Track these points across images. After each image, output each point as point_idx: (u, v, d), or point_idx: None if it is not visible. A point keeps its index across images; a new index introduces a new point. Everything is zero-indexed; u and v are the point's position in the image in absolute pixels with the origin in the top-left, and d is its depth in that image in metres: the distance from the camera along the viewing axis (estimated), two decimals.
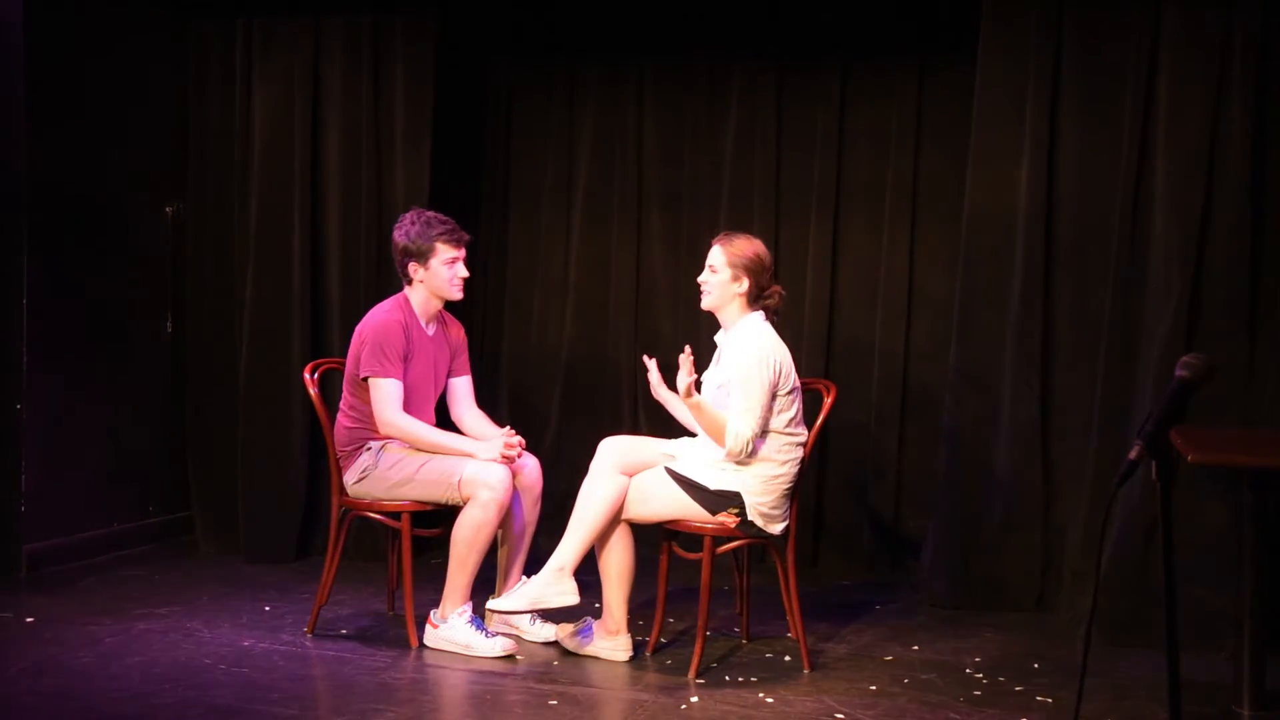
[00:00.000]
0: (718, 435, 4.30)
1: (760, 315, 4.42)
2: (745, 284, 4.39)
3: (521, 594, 4.36)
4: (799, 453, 4.38)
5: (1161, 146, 4.85)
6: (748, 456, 4.28)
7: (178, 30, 6.05)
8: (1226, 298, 4.77)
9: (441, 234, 4.65)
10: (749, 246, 4.41)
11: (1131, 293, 4.93)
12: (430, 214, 4.73)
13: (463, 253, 4.70)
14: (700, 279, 4.48)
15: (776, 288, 4.45)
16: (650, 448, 4.54)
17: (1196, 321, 4.78)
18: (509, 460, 4.54)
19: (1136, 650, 4.65)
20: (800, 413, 4.41)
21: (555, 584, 4.32)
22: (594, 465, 4.44)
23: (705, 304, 4.49)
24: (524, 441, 4.64)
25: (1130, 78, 4.92)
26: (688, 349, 4.29)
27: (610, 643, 4.47)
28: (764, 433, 4.31)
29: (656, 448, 4.54)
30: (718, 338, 4.54)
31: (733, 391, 4.31)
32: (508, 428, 4.71)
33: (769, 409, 4.29)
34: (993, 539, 5.24)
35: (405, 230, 4.68)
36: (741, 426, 4.26)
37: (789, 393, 4.34)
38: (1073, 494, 5.12)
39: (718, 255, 4.42)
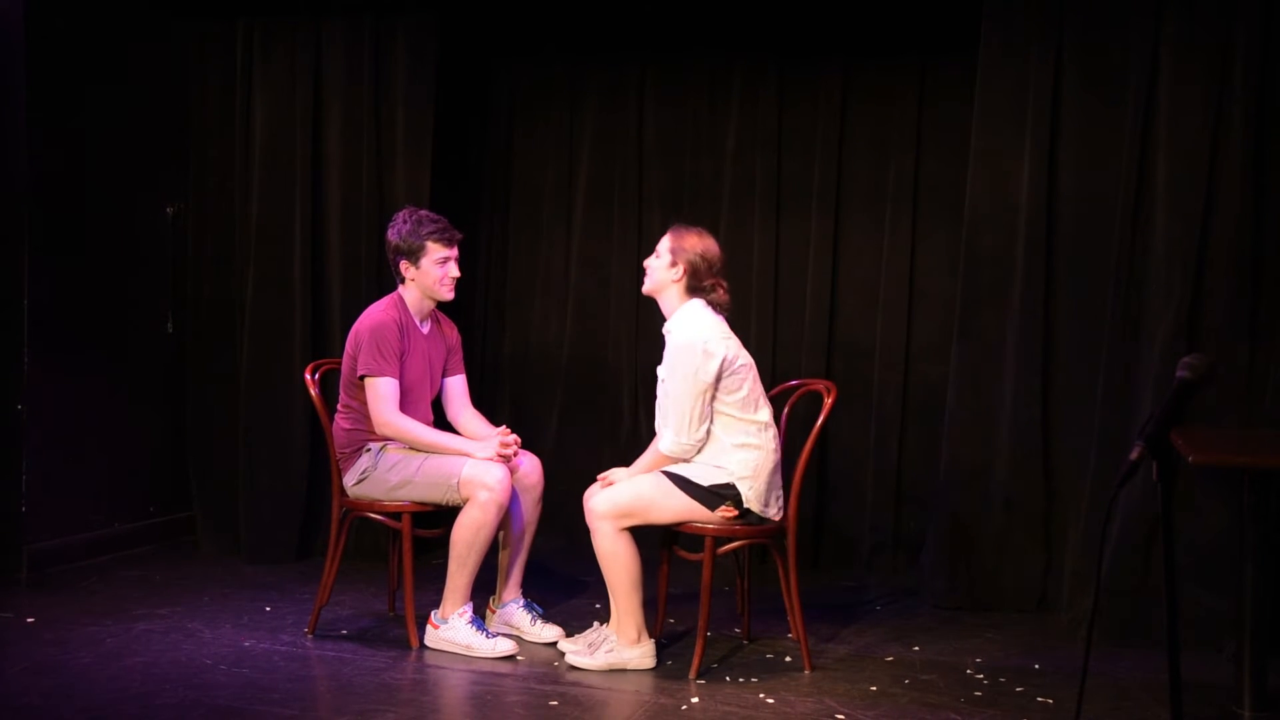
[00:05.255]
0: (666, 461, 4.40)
1: (699, 302, 4.41)
2: (679, 271, 4.40)
3: (601, 657, 4.38)
4: (772, 430, 4.38)
5: (1162, 146, 4.85)
6: (694, 447, 4.33)
7: (178, 30, 6.05)
8: (1227, 298, 4.76)
9: (432, 232, 4.65)
10: (697, 241, 4.42)
11: (1132, 293, 4.93)
12: (423, 213, 4.73)
13: (454, 252, 4.69)
14: (645, 262, 4.51)
15: (719, 282, 4.43)
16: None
17: (1197, 322, 4.78)
18: (505, 459, 4.54)
19: (1137, 650, 4.64)
20: (756, 391, 4.37)
21: (632, 649, 4.36)
22: (598, 524, 4.34)
23: (644, 288, 4.51)
24: (519, 440, 4.64)
25: (1130, 78, 4.91)
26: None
27: (636, 652, 4.40)
28: (712, 417, 4.33)
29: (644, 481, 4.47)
30: (664, 329, 4.51)
31: (668, 391, 4.37)
32: (503, 426, 4.72)
33: (708, 399, 4.30)
34: (993, 539, 5.24)
35: (397, 229, 4.68)
36: (673, 432, 4.32)
37: (735, 373, 4.32)
38: (1073, 494, 5.12)
39: (663, 241, 4.46)
